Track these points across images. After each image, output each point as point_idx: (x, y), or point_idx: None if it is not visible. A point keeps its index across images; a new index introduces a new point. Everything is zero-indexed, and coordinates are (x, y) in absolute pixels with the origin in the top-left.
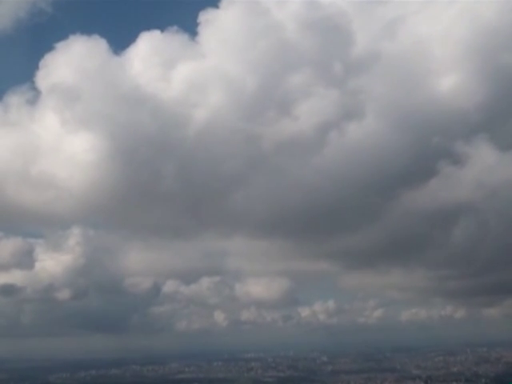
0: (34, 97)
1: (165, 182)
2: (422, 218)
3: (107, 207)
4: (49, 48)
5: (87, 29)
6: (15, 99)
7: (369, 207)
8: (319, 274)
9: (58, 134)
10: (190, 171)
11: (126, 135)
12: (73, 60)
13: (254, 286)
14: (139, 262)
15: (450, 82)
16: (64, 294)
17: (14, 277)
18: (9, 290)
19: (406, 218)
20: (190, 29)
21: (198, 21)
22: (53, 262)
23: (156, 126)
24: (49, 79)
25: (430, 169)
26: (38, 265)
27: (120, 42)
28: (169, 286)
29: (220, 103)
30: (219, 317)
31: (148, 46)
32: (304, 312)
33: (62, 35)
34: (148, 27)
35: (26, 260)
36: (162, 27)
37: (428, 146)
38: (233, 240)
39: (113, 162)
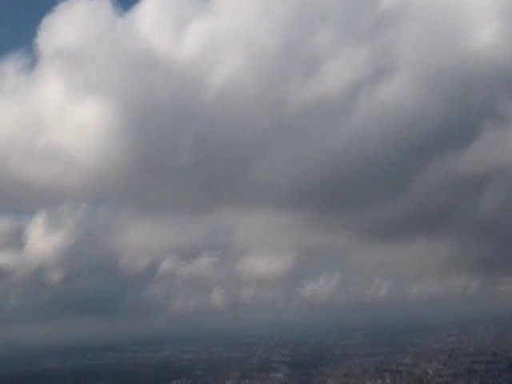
0: (33, 63)
1: (180, 154)
2: (455, 185)
3: (116, 181)
4: (48, 10)
5: None
6: (10, 67)
7: (398, 175)
8: (333, 249)
9: (63, 103)
10: (207, 141)
11: (136, 103)
12: (75, 22)
13: (258, 263)
14: (140, 240)
15: (489, 34)
16: (55, 276)
17: (2, 259)
18: None
19: (438, 186)
20: None
21: None
22: (45, 243)
23: (169, 92)
24: (50, 44)
25: (467, 132)
26: (28, 246)
27: (125, 0)
28: (167, 265)
29: (239, 66)
30: (217, 297)
31: (156, 4)
32: (307, 290)
33: None
34: None
35: (15, 241)
36: None
37: (465, 107)
38: (250, 214)
39: (123, 133)
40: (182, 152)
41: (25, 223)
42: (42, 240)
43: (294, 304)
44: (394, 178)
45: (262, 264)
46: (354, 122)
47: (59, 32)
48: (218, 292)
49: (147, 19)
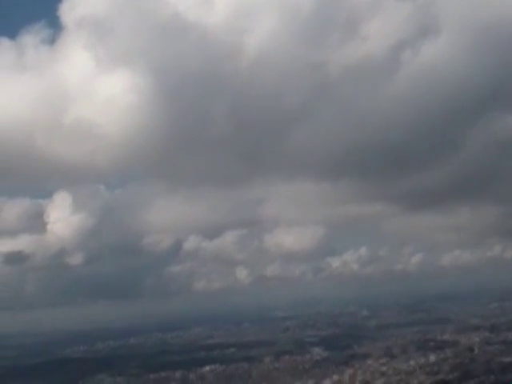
0: (56, 34)
1: (214, 124)
2: (502, 148)
3: (147, 157)
4: None
5: None
6: (32, 39)
7: (443, 139)
8: (367, 220)
9: (90, 75)
10: (243, 109)
11: (168, 71)
12: None
13: (288, 236)
14: (168, 216)
15: None
16: (76, 259)
17: (22, 243)
18: (15, 258)
19: (484, 150)
20: None
21: None
22: (67, 224)
23: (202, 58)
24: (73, 13)
25: None
26: (51, 227)
27: None
28: (192, 242)
29: (274, 27)
30: (242, 273)
31: None
32: (337, 263)
33: None
34: None
35: (35, 223)
36: None
37: None
38: (285, 186)
39: (154, 104)
40: (216, 122)
41: (48, 203)
42: (65, 221)
43: (324, 277)
44: (438, 142)
45: (292, 237)
46: (399, 83)
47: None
48: (245, 267)
49: None
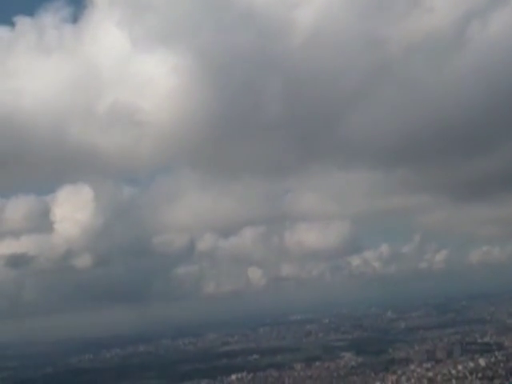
0: (76, 12)
1: (263, 108)
2: None
3: (190, 144)
4: None
5: None
6: (50, 17)
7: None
8: (398, 214)
9: (126, 55)
10: (296, 91)
11: (212, 51)
12: None
13: (309, 233)
14: (194, 212)
15: None
16: (84, 261)
17: (26, 244)
18: (18, 261)
19: None
20: None
21: None
22: (75, 223)
23: (250, 36)
24: None
25: None
26: (55, 228)
27: None
28: (206, 241)
29: (328, 2)
30: (256, 273)
31: None
32: (359, 261)
33: None
34: None
35: (40, 223)
36: None
37: None
38: (329, 175)
39: (199, 87)
40: (266, 106)
41: (54, 200)
42: (74, 220)
43: (344, 277)
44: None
45: (315, 234)
46: (464, 61)
47: None
48: (260, 267)
49: None
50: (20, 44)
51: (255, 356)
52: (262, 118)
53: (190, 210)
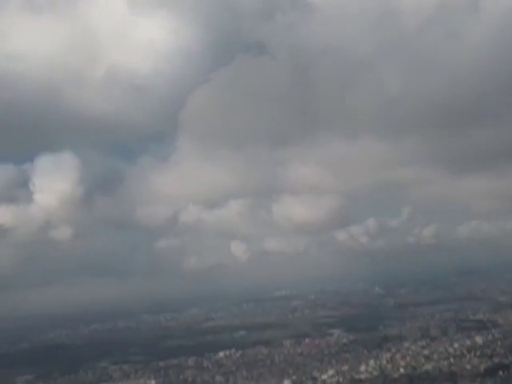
0: None
1: (269, 76)
2: None
3: (191, 111)
4: None
5: None
6: None
7: None
8: (391, 187)
9: (123, 17)
10: (302, 58)
11: (214, 13)
12: None
13: (297, 206)
14: (186, 184)
15: None
16: (62, 234)
17: (3, 215)
18: None
19: None
20: None
21: None
22: (55, 194)
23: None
24: None
25: None
26: (34, 199)
27: None
28: (189, 214)
29: None
30: (239, 248)
31: None
32: (346, 235)
33: None
34: None
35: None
36: None
37: None
38: (334, 145)
39: (200, 51)
40: (270, 74)
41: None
42: (56, 190)
43: (330, 252)
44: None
45: (306, 207)
46: (476, 32)
47: None
48: (243, 241)
49: None
50: (10, 3)
51: (242, 332)
52: (266, 85)
53: (178, 181)
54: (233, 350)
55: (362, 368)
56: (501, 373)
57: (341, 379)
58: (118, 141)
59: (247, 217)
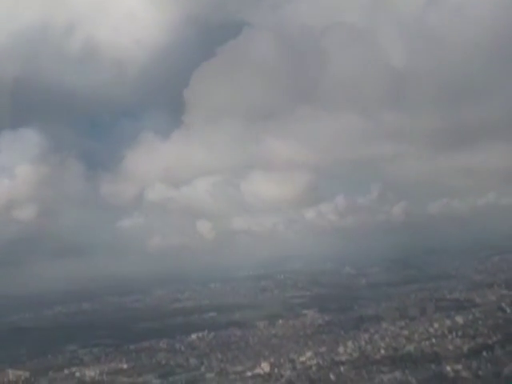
0: None
1: (249, 49)
2: None
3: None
4: None
5: None
6: None
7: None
8: (363, 165)
9: None
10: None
11: None
12: None
13: (266, 183)
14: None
15: None
16: (25, 213)
17: None
18: None
19: None
20: None
21: None
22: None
23: None
24: None
25: None
26: None
27: None
28: (155, 192)
29: None
30: (205, 226)
31: None
32: (315, 213)
33: None
34: None
35: None
36: None
37: None
38: (312, 120)
39: (183, 22)
40: (250, 47)
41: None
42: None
43: (298, 230)
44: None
45: (276, 184)
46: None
47: None
48: (209, 220)
49: None
50: None
51: (212, 314)
52: (247, 58)
53: (145, 159)
54: (205, 332)
55: (341, 349)
56: (485, 353)
57: (320, 361)
58: (91, 117)
59: (215, 195)
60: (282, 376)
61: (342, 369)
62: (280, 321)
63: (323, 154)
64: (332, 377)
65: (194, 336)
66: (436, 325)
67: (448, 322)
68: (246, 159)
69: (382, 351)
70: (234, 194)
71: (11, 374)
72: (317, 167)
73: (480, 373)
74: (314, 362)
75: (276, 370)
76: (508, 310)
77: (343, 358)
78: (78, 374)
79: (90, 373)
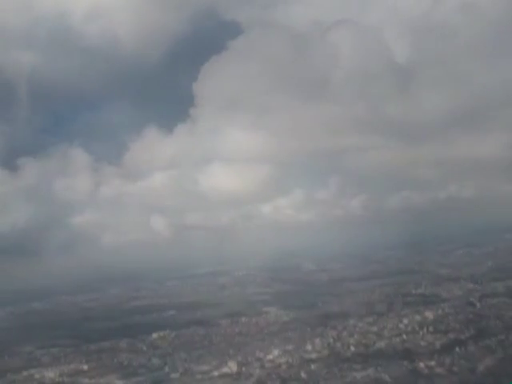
0: None
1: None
2: None
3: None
4: None
5: None
6: None
7: None
8: (331, 154)
9: None
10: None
11: None
12: None
13: (223, 178)
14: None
15: None
16: None
17: None
18: None
19: None
20: None
21: None
22: None
23: None
24: None
25: None
26: None
27: None
28: (110, 187)
29: None
30: (160, 222)
31: None
32: (267, 208)
33: None
34: None
35: None
36: None
37: None
38: (281, 110)
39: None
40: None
41: None
42: None
43: (257, 225)
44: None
45: (229, 179)
46: None
47: None
48: (164, 215)
49: None
50: None
51: (171, 312)
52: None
53: (104, 150)
54: (167, 331)
55: (309, 347)
56: (458, 349)
57: (290, 359)
58: (45, 106)
59: (172, 189)
60: (251, 375)
61: (312, 367)
62: (243, 318)
63: (283, 145)
64: (303, 375)
65: (155, 335)
66: (405, 320)
67: (418, 318)
68: (204, 151)
69: (353, 348)
70: (191, 188)
71: None
72: (276, 160)
73: (455, 369)
74: (283, 360)
75: (244, 369)
76: (478, 305)
77: (313, 356)
78: (37, 376)
79: (50, 374)
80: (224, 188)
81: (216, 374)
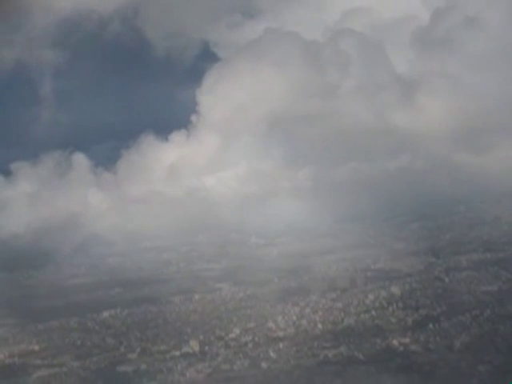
0: None
1: None
2: None
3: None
4: None
5: None
6: None
7: None
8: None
9: None
10: None
11: None
12: None
13: (167, 150)
14: None
15: None
16: None
17: None
18: None
19: None
20: None
21: None
22: None
23: None
24: None
25: None
26: None
27: None
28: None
29: None
30: (97, 195)
31: None
32: (211, 180)
33: None
34: None
35: None
36: None
37: None
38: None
39: None
40: None
41: None
42: None
43: (198, 198)
44: None
45: (172, 151)
46: None
47: None
48: (101, 189)
49: None
50: None
51: (117, 289)
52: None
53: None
54: (118, 310)
55: (272, 325)
56: (431, 326)
57: (256, 338)
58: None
59: (110, 161)
60: (217, 354)
61: (281, 345)
62: (196, 296)
63: (233, 113)
64: (272, 354)
65: (106, 314)
66: (371, 296)
67: (384, 294)
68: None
69: (320, 326)
70: (130, 160)
71: None
72: (223, 128)
73: (431, 346)
74: (248, 338)
75: (207, 349)
76: (446, 280)
77: (280, 334)
78: None
79: None
80: (166, 161)
81: (177, 353)
